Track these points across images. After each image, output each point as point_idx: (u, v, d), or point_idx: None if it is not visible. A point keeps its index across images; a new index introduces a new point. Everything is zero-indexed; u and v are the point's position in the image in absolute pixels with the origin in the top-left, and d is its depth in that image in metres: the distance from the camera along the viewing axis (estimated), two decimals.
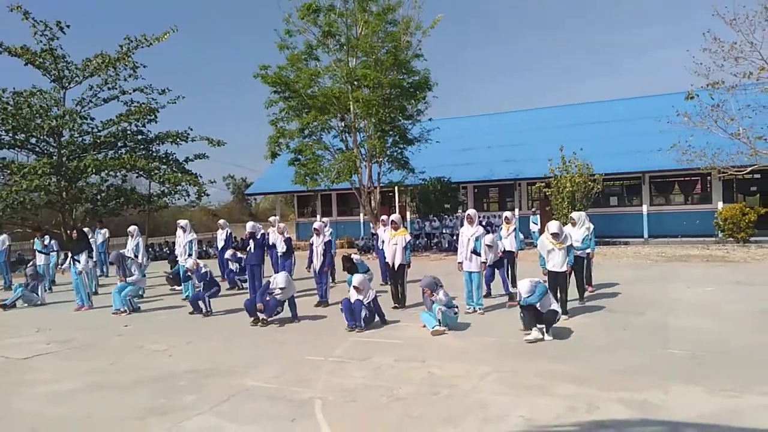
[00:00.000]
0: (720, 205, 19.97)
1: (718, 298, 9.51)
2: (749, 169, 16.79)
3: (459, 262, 9.30)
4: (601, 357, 6.27)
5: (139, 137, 23.43)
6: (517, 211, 22.83)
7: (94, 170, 21.11)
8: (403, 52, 19.03)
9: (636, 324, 7.83)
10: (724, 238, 18.79)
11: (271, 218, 14.70)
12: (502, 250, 10.30)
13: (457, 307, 8.08)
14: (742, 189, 21.77)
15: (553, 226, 8.27)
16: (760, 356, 5.98)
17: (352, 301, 8.16)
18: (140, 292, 12.02)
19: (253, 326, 8.78)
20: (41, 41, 20.91)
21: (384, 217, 10.21)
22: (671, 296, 9.83)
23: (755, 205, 19.98)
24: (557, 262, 8.23)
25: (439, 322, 7.70)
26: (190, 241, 11.18)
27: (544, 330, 7.12)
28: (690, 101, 16.36)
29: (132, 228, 11.98)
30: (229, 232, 13.87)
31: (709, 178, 20.80)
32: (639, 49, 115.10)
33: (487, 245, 9.03)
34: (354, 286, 8.27)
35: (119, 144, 23.27)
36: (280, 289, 8.64)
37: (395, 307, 9.57)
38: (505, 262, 10.56)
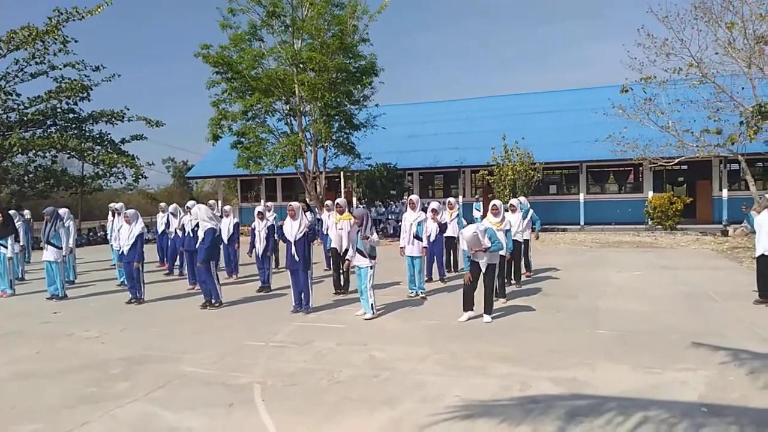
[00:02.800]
0: (650, 194, 21.04)
1: (645, 281, 10.05)
2: (677, 160, 17.75)
3: (401, 247, 9.41)
4: (535, 338, 6.52)
5: (71, 116, 22.29)
6: (461, 198, 23.26)
7: (19, 149, 19.96)
8: (350, 36, 18.85)
9: (569, 307, 8.17)
10: (654, 226, 19.84)
11: (211, 202, 14.37)
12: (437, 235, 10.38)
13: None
14: (670, 179, 23.01)
15: (495, 201, 8.50)
16: (681, 336, 6.37)
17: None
18: (71, 277, 11.51)
19: (202, 309, 8.66)
20: None
21: (329, 202, 10.14)
22: (603, 280, 10.32)
23: (682, 194, 21.18)
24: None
25: (372, 308, 7.75)
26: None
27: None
28: (625, 94, 17.07)
29: (48, 209, 10.33)
30: (235, 221, 11.62)
31: (641, 168, 21.84)
32: (574, 40, 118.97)
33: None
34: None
35: (48, 122, 22.05)
36: (208, 218, 8.50)
37: (337, 293, 9.59)
38: (445, 247, 10.77)
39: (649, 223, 20.09)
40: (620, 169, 22.96)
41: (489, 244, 7.18)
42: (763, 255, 8.15)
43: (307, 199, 18.39)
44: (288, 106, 20.00)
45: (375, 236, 7.78)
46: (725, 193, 20.21)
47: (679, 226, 19.47)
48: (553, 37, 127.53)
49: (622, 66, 25.06)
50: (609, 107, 17.48)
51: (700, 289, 9.22)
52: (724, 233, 17.57)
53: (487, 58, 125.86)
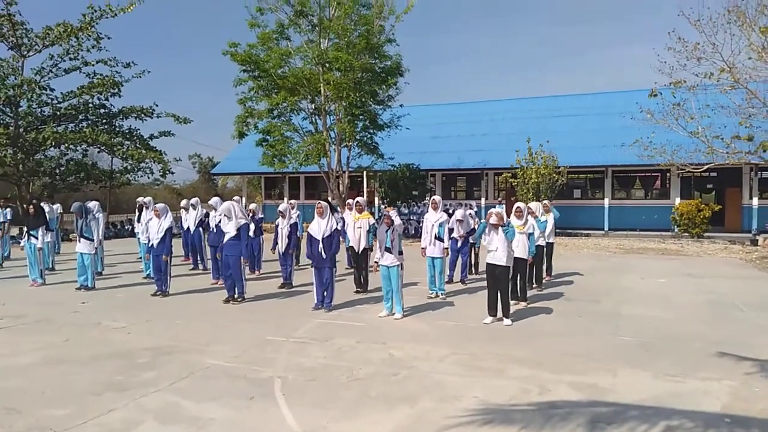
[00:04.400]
0: (677, 201, 20.67)
1: (670, 289, 9.90)
2: (706, 167, 17.39)
3: (422, 248, 9.42)
4: (556, 342, 6.49)
5: (102, 111, 22.76)
6: (483, 200, 23.16)
7: (53, 143, 20.45)
8: (376, 36, 18.93)
9: (591, 311, 8.10)
10: (680, 233, 19.48)
11: (236, 198, 14.55)
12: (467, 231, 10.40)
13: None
14: (698, 186, 22.55)
15: (519, 204, 8.52)
16: (705, 344, 6.28)
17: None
18: (99, 269, 11.79)
19: (225, 304, 8.79)
20: None
21: (350, 201, 10.21)
22: (626, 286, 10.19)
23: (710, 202, 20.76)
24: (518, 248, 8.39)
25: (402, 308, 7.80)
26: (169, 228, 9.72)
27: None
28: (653, 99, 16.79)
29: (75, 206, 10.27)
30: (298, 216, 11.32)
31: (668, 174, 21.47)
32: (605, 43, 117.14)
33: (457, 220, 9.02)
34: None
35: (80, 117, 22.55)
36: (226, 217, 8.58)
37: (357, 291, 9.65)
38: (468, 249, 10.76)
39: (676, 230, 19.73)
40: (647, 174, 22.59)
41: (462, 231, 7.24)
42: None
43: (330, 198, 18.49)
44: (313, 105, 20.16)
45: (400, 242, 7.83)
46: (755, 201, 19.74)
47: (706, 234, 19.08)
48: (581, 38, 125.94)
49: (652, 70, 24.66)
50: (637, 111, 17.22)
51: (727, 298, 9.05)
52: (754, 242, 17.17)
53: (512, 59, 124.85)
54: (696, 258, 14.46)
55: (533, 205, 10.10)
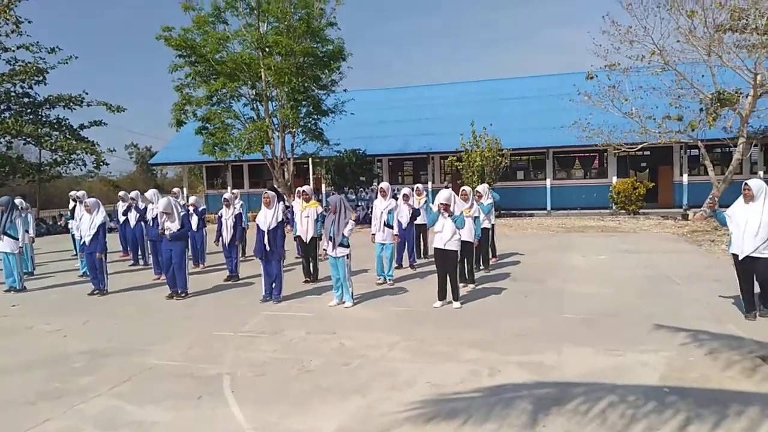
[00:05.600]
0: (615, 179, 21.51)
1: (609, 265, 10.29)
2: (640, 146, 18.17)
3: (372, 234, 9.39)
4: (504, 323, 6.61)
5: (26, 100, 21.44)
6: (430, 184, 23.33)
7: None
8: (317, 19, 18.58)
9: (536, 291, 8.31)
10: (617, 210, 20.30)
11: (175, 190, 14.07)
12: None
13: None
14: (633, 165, 23.55)
15: (465, 188, 8.59)
16: (641, 317, 6.55)
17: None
18: (29, 269, 11.13)
19: (168, 300, 8.50)
20: None
21: (299, 188, 10.04)
22: (569, 264, 10.52)
23: (644, 179, 21.71)
24: (465, 232, 8.46)
25: (352, 297, 7.75)
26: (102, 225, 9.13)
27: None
28: (590, 81, 17.33)
29: (2, 199, 9.65)
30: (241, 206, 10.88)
31: (605, 154, 22.29)
32: (538, 25, 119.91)
33: (441, 203, 8.34)
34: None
35: (2, 107, 21.13)
36: (165, 214, 8.28)
37: (307, 281, 9.53)
38: (415, 233, 10.81)
39: (614, 207, 20.55)
40: (586, 155, 23.37)
41: (454, 211, 7.26)
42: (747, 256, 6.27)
43: (276, 186, 18.14)
44: (254, 91, 19.62)
45: (351, 224, 7.68)
46: (685, 178, 20.79)
47: (642, 211, 19.97)
48: (522, 20, 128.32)
49: (588, 53, 25.39)
50: (575, 94, 17.72)
51: (662, 271, 9.49)
52: (685, 217, 18.11)
53: (456, 43, 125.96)
54: (633, 234, 15.11)
55: (480, 188, 10.23)
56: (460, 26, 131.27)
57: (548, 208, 22.02)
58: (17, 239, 9.46)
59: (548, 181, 22.58)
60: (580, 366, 5.00)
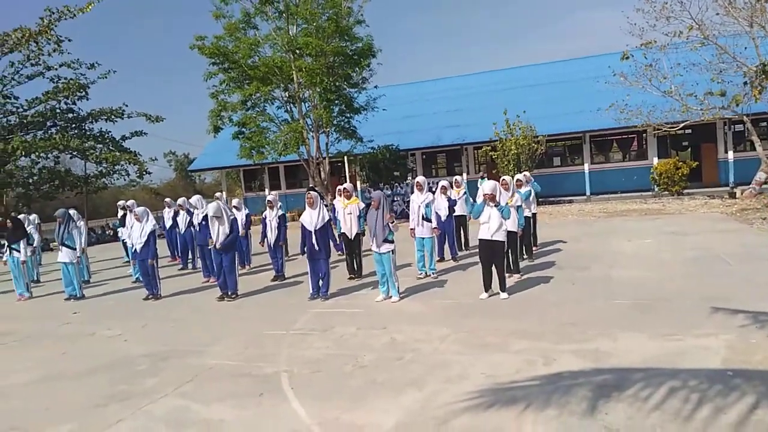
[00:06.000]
0: (655, 160, 20.94)
1: (657, 248, 10.06)
2: (681, 125, 17.63)
3: (411, 229, 9.42)
4: (553, 311, 6.56)
5: (70, 115, 22.26)
6: (465, 175, 23.20)
7: (23, 152, 19.95)
8: (345, 18, 18.67)
9: (583, 278, 8.21)
10: (660, 192, 19.78)
11: (218, 194, 14.38)
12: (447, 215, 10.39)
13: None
14: (675, 144, 22.88)
15: (505, 177, 8.58)
16: (695, 300, 6.40)
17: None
18: (86, 277, 11.60)
19: (219, 302, 8.73)
20: None
21: (340, 187, 10.18)
22: (614, 249, 10.33)
23: (687, 159, 21.08)
24: (509, 222, 8.40)
25: (398, 292, 7.81)
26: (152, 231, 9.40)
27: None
28: (626, 61, 16.88)
29: (60, 212, 10.10)
30: (246, 212, 11.63)
31: (644, 135, 21.72)
32: (566, 10, 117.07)
33: (485, 194, 8.04)
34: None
35: (48, 123, 22.05)
36: (216, 218, 8.48)
37: (351, 278, 9.64)
38: (455, 225, 10.80)
39: (656, 189, 20.03)
40: (624, 137, 22.81)
41: (500, 201, 7.25)
42: None
43: (314, 186, 18.37)
44: (287, 94, 19.88)
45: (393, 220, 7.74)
46: (731, 155, 20.10)
47: (686, 191, 19.41)
48: (551, 5, 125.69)
49: (622, 32, 24.72)
50: (610, 75, 17.32)
51: (712, 252, 9.22)
52: (732, 195, 17.51)
53: (482, 31, 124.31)
54: (678, 215, 14.71)
55: (521, 176, 10.16)
56: (483, 17, 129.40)
57: (587, 193, 21.62)
58: (75, 249, 9.87)
59: (586, 166, 22.16)
60: (638, 352, 4.94)
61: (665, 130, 18.01)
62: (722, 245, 9.80)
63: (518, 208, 8.53)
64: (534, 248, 10.69)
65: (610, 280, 7.95)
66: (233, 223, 8.68)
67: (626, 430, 3.58)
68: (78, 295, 9.99)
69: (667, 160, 19.97)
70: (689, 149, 23.41)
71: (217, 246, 8.53)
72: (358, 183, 24.24)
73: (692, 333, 5.30)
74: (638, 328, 5.61)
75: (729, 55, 15.84)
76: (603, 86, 18.02)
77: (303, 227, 8.19)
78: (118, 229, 13.90)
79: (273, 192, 11.83)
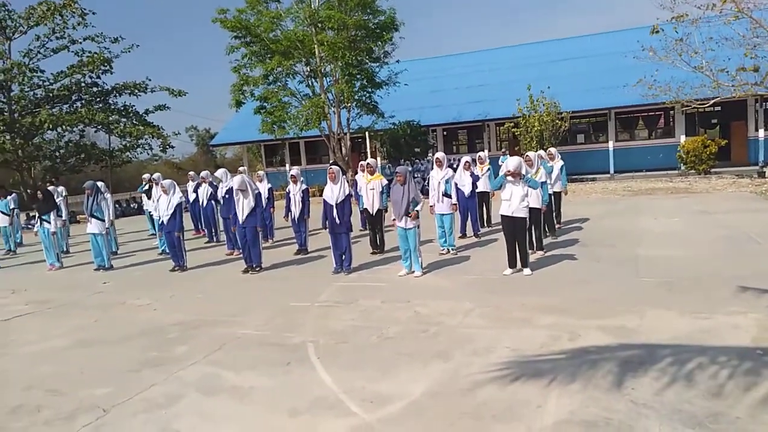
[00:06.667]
0: (683, 138, 20.50)
1: (684, 227, 9.92)
2: (712, 101, 17.16)
3: (431, 205, 9.38)
4: (578, 288, 6.54)
5: (95, 89, 22.50)
6: (486, 152, 22.98)
7: (50, 126, 20.29)
8: None
9: (608, 256, 8.15)
10: (687, 171, 19.40)
11: (241, 168, 14.49)
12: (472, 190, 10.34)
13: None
14: (703, 122, 22.34)
15: (529, 153, 8.52)
16: (725, 279, 6.32)
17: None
18: (114, 248, 11.84)
19: (244, 274, 8.87)
20: None
21: (363, 162, 10.17)
22: (640, 228, 10.21)
23: (716, 137, 20.58)
24: (532, 198, 8.33)
25: (421, 266, 7.84)
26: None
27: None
28: (655, 35, 16.41)
29: (88, 183, 10.24)
30: (269, 186, 11.48)
31: (672, 112, 21.22)
32: None
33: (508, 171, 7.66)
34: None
35: (74, 97, 22.33)
36: (241, 191, 8.56)
37: (374, 252, 9.70)
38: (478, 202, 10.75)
39: (682, 168, 19.65)
40: (650, 114, 22.33)
41: (524, 173, 7.21)
42: None
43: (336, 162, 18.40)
44: (308, 68, 19.82)
45: (419, 194, 7.73)
46: (761, 133, 19.58)
47: (713, 170, 19.02)
48: None
49: (652, 6, 24.01)
50: (638, 50, 16.86)
51: (742, 232, 9.06)
52: (761, 175, 17.11)
53: (506, 4, 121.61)
54: (706, 194, 14.44)
55: (553, 149, 10.09)
56: None
57: (611, 171, 21.30)
58: (103, 221, 10.07)
59: (611, 144, 21.79)
60: (665, 329, 4.92)
61: (694, 107, 17.57)
62: (751, 224, 9.62)
63: (543, 184, 8.46)
64: (558, 225, 10.61)
65: (637, 258, 7.88)
66: (258, 196, 8.76)
67: (653, 405, 3.59)
68: (107, 266, 10.23)
69: (695, 138, 19.53)
70: (718, 127, 22.84)
71: (241, 219, 8.64)
72: (378, 159, 24.19)
73: (721, 311, 5.25)
74: (666, 306, 5.57)
75: (764, 28, 15.29)
76: (630, 61, 17.60)
77: (325, 202, 8.24)
78: (145, 202, 14.09)
79: (296, 167, 11.88)
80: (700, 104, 17.23)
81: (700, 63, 16.48)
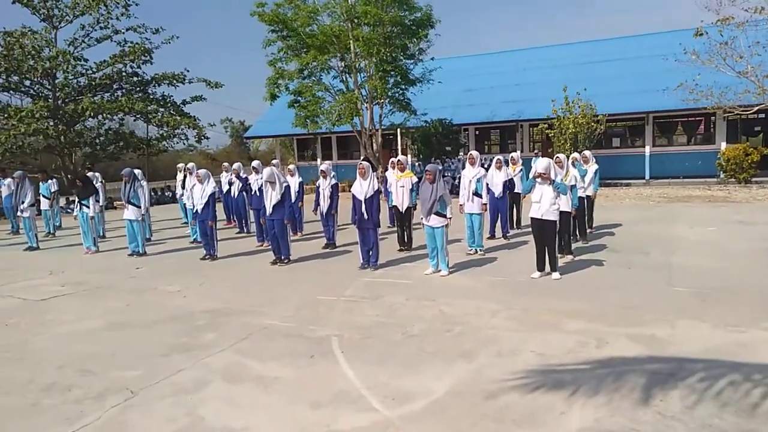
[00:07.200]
0: (723, 145, 19.88)
1: (721, 237, 9.64)
2: (756, 108, 16.61)
3: (460, 204, 9.28)
4: (608, 294, 6.43)
5: (135, 79, 22.99)
6: (519, 153, 22.71)
7: (91, 113, 20.84)
8: None
9: (640, 263, 7.98)
10: (726, 179, 18.82)
11: (275, 161, 14.65)
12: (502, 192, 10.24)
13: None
14: (745, 129, 21.62)
15: (559, 155, 8.43)
16: (762, 293, 6.13)
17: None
18: (147, 235, 12.12)
19: (272, 266, 8.97)
20: None
21: (393, 159, 10.18)
22: (674, 236, 9.96)
23: (758, 145, 19.91)
24: (562, 201, 8.19)
25: (448, 265, 7.81)
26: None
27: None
28: (699, 38, 15.95)
29: (126, 170, 10.57)
30: (299, 180, 11.43)
31: (713, 118, 20.61)
32: None
33: (539, 173, 7.32)
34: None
35: (115, 86, 22.88)
36: (269, 183, 8.65)
37: (401, 250, 9.70)
38: (509, 203, 10.65)
39: (722, 176, 19.07)
40: (690, 119, 21.72)
41: (554, 177, 7.11)
42: None
43: (367, 158, 18.47)
44: (343, 63, 19.88)
45: (447, 193, 7.69)
46: None
47: (754, 179, 18.40)
48: None
49: (697, 7, 23.36)
50: (680, 53, 16.41)
51: None
52: None
53: (545, 4, 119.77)
54: (746, 204, 13.99)
55: (588, 152, 9.95)
56: None
57: (647, 177, 20.82)
58: (140, 207, 10.32)
59: (647, 149, 21.29)
60: (697, 341, 4.79)
61: (737, 114, 17.03)
62: None
63: (572, 187, 8.33)
64: (589, 230, 10.44)
65: (671, 266, 7.69)
66: (286, 189, 8.85)
67: (682, 418, 3.51)
68: (141, 252, 10.48)
69: (737, 146, 18.91)
70: (761, 134, 22.08)
71: (268, 211, 8.75)
72: (409, 156, 24.14)
73: (758, 326, 5.09)
74: (699, 317, 5.43)
75: None
76: (669, 65, 17.15)
77: (354, 197, 8.28)
78: (179, 190, 14.38)
79: (326, 162, 11.98)
80: (743, 111, 16.69)
81: (745, 68, 15.96)
